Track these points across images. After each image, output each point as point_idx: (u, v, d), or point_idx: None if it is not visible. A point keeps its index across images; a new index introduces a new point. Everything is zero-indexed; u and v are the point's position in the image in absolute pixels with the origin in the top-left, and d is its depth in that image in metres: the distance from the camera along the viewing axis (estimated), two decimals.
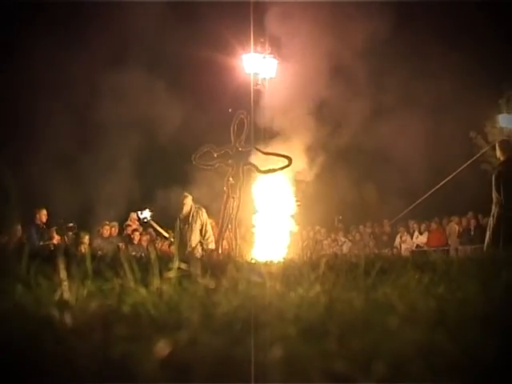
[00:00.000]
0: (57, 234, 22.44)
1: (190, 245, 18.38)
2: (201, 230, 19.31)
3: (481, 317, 2.73)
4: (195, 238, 18.96)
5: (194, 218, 19.15)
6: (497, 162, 17.72)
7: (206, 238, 19.43)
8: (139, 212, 22.05)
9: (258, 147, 17.63)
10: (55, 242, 21.26)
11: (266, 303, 3.19)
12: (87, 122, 29.48)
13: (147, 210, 22.23)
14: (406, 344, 2.17)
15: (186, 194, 19.51)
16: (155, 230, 23.80)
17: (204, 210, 19.49)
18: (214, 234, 19.26)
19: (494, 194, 16.06)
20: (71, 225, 23.39)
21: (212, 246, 19.32)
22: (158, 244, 22.89)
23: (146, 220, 22.11)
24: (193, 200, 19.42)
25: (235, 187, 17.19)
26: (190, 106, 24.36)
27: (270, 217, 18.24)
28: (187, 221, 19.10)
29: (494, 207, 16.14)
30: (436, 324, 2.51)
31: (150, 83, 26.57)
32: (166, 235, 21.66)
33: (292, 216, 19.00)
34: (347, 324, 2.62)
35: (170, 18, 26.00)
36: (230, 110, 23.09)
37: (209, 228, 19.58)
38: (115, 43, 30.34)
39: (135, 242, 23.90)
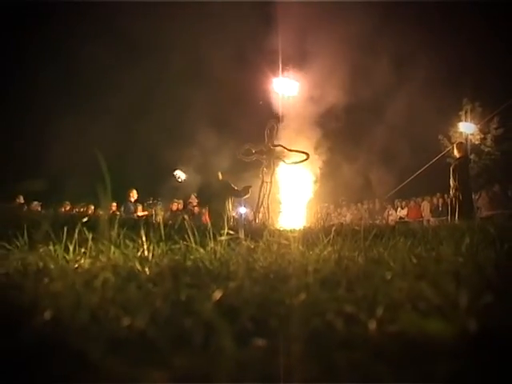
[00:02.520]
0: (144, 207, 23.00)
1: (225, 210, 18.38)
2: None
3: (451, 269, 2.69)
4: (228, 205, 19.05)
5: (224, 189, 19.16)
6: (454, 159, 18.45)
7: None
8: (175, 173, 21.73)
9: (284, 146, 17.68)
10: (142, 213, 21.64)
11: (292, 259, 3.16)
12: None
13: (181, 172, 21.88)
14: (397, 291, 2.13)
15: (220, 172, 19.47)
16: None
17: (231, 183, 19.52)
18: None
19: (452, 181, 17.02)
20: (155, 201, 23.96)
21: None
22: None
23: (180, 180, 21.77)
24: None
25: (268, 174, 17.34)
26: (234, 116, 24.37)
27: (294, 196, 18.32)
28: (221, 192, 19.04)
29: (451, 190, 17.11)
30: (418, 276, 2.47)
31: (206, 97, 26.64)
32: (194, 196, 21.79)
33: (309, 196, 19.24)
34: (352, 275, 2.58)
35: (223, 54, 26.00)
36: (260, 103, 23.39)
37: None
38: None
39: (195, 214, 24.11)
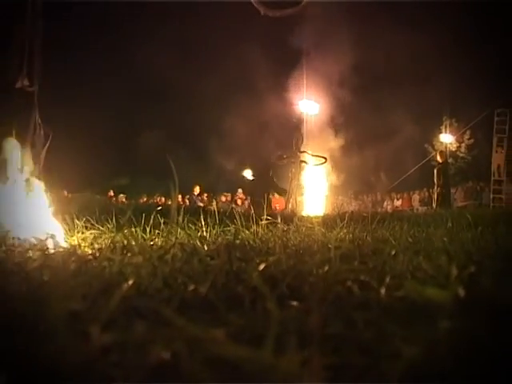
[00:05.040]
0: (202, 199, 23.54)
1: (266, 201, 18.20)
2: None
3: (439, 247, 2.65)
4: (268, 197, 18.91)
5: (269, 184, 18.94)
6: (437, 163, 19.53)
7: None
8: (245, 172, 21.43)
9: (308, 151, 17.71)
10: (202, 204, 21.91)
11: (317, 239, 3.13)
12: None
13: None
14: (400, 263, 2.09)
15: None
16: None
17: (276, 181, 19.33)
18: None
19: (436, 180, 18.45)
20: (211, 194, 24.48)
21: None
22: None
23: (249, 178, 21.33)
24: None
25: (295, 174, 17.30)
26: (270, 131, 24.43)
27: (316, 190, 18.35)
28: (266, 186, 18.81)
29: (435, 187, 18.53)
30: (415, 252, 2.42)
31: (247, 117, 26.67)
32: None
33: (327, 190, 19.38)
34: (363, 252, 2.54)
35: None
36: (294, 120, 23.37)
37: None
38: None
39: (240, 204, 24.27)
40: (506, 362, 1.00)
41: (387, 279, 1.70)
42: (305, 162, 17.63)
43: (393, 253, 2.40)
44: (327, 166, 18.99)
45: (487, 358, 1.02)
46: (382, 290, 1.58)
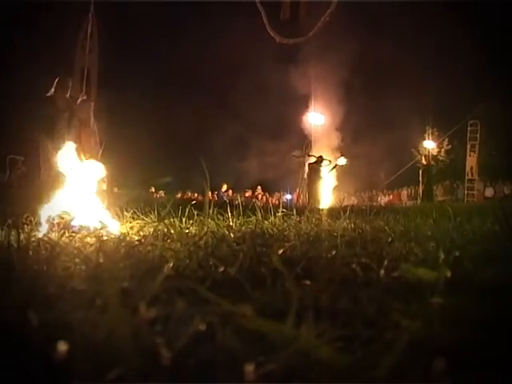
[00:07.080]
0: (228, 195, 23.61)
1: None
2: None
3: (426, 235, 2.61)
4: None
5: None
6: (422, 165, 20.42)
7: None
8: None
9: (315, 155, 17.72)
10: (227, 199, 22.00)
11: (324, 228, 3.09)
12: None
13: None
14: (394, 249, 2.06)
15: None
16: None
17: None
18: None
19: (421, 179, 19.33)
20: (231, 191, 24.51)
21: None
22: (272, 200, 23.21)
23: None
24: None
25: (305, 173, 17.30)
26: (284, 138, 24.40)
27: (323, 187, 18.30)
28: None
29: (420, 184, 19.39)
30: (407, 239, 2.38)
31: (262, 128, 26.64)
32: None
33: (332, 188, 19.44)
34: (364, 238, 2.50)
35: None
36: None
37: None
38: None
39: (259, 199, 24.29)
40: (488, 329, 0.99)
41: (385, 262, 1.67)
42: (313, 163, 17.61)
43: (389, 240, 2.37)
44: (331, 167, 18.93)
45: (471, 327, 1.00)
46: (381, 272, 1.55)
